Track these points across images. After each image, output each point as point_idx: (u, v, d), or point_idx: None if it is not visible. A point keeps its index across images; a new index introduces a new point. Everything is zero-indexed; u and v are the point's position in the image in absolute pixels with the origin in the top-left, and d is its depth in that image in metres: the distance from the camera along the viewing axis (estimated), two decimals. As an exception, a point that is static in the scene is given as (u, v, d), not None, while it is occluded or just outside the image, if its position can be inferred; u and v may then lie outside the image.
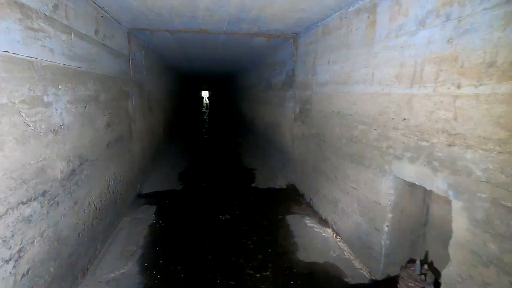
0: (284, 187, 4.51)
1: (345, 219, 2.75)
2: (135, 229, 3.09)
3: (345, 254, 2.64)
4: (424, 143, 1.74)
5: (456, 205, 1.52)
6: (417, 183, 1.83)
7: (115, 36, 3.13)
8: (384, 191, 2.14)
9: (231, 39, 4.20)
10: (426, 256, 2.19)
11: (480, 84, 1.38)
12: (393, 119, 2.03)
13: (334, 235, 2.96)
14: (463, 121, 1.48)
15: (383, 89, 2.13)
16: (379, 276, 2.25)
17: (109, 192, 2.87)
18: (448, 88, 1.56)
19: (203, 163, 6.04)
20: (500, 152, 1.29)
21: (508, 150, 1.26)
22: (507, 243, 1.27)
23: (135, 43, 4.01)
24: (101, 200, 2.63)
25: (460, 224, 1.50)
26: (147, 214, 3.48)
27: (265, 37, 4.05)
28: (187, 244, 2.83)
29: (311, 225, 3.24)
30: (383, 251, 2.18)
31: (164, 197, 4.05)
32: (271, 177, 5.01)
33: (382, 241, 2.18)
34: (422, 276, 1.85)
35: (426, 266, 1.91)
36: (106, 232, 2.76)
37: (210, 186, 4.56)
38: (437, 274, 1.93)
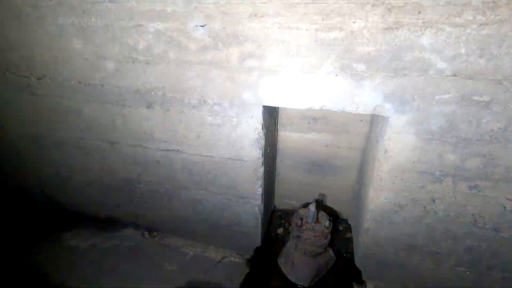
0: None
1: (164, 203, 1.60)
2: None
3: (189, 251, 1.64)
4: (333, 35, 0.97)
5: (397, 122, 1.03)
6: (316, 108, 1.12)
7: None
8: (249, 136, 1.24)
9: None
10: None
11: None
12: (248, -5, 0.99)
13: (146, 233, 1.75)
14: (417, -22, 0.84)
15: None
16: (252, 251, 1.59)
17: None
18: None
19: None
20: (482, 25, 0.84)
21: (498, 18, 0.83)
22: (472, 147, 1.01)
23: None
24: None
25: (403, 145, 1.07)
26: None
27: None
28: None
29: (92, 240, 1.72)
30: (260, 220, 1.46)
31: None
32: None
33: (257, 208, 1.42)
34: (327, 222, 1.42)
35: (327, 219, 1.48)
36: None
37: None
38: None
